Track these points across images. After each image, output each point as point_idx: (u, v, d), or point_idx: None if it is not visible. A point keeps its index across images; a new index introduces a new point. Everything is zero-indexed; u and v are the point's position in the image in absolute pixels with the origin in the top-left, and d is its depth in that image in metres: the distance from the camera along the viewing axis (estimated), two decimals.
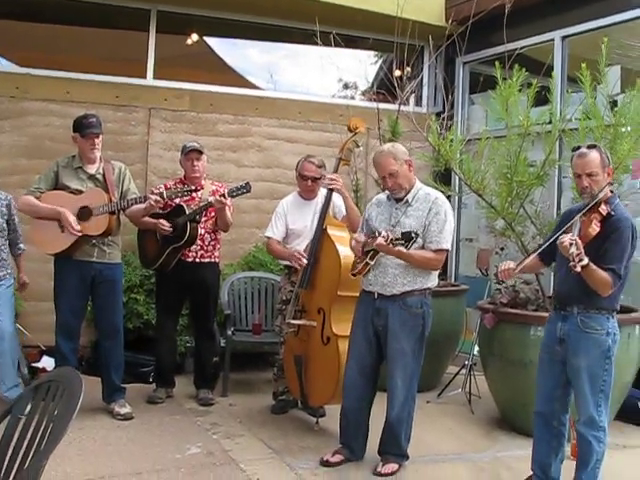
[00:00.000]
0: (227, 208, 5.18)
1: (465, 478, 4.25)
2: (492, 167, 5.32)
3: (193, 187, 5.11)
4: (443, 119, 5.93)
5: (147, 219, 5.13)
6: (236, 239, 6.75)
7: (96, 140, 4.92)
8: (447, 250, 4.16)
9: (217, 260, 5.53)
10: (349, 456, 4.29)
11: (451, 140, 5.41)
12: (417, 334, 4.14)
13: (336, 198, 5.09)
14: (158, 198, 4.83)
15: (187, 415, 5.17)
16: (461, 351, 6.24)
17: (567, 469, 3.83)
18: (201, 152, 5.38)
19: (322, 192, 5.19)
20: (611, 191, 3.70)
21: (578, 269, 3.32)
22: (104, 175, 4.97)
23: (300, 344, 4.85)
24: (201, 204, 5.22)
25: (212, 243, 5.43)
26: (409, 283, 4.11)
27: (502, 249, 5.86)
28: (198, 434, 4.74)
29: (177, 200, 5.17)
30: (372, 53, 8.09)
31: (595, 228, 3.43)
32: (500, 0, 5.95)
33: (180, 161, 5.48)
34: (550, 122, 5.31)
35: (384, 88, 6.67)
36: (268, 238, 5.25)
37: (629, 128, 4.80)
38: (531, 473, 3.89)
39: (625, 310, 4.77)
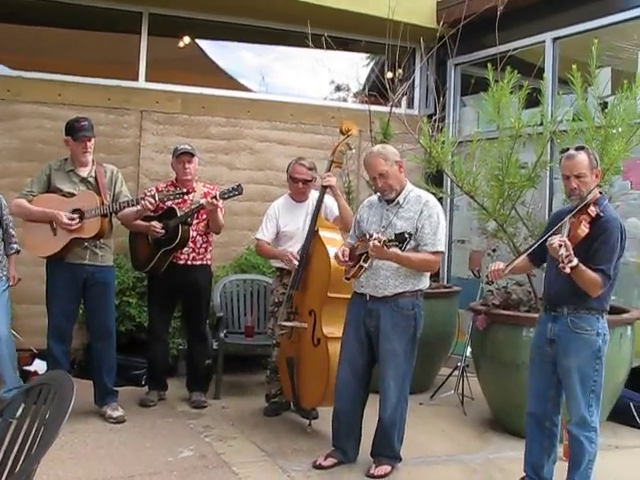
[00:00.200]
0: (219, 210, 5.18)
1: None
2: (484, 169, 5.34)
3: (185, 190, 5.12)
4: (435, 121, 5.93)
5: (139, 222, 5.12)
6: (228, 241, 6.75)
7: (88, 143, 4.91)
8: (442, 252, 4.18)
9: (209, 262, 5.52)
10: (342, 458, 4.29)
11: (443, 142, 5.42)
12: (409, 335, 4.14)
13: (327, 199, 5.10)
14: (152, 200, 4.83)
15: (179, 418, 5.16)
16: (454, 353, 6.26)
17: (560, 470, 3.83)
18: (193, 155, 5.37)
19: (313, 194, 5.20)
20: (600, 192, 3.72)
21: (567, 270, 3.34)
22: (96, 178, 4.96)
23: (292, 346, 4.86)
24: (192, 206, 5.21)
25: (204, 245, 5.43)
26: (401, 285, 4.11)
27: (494, 250, 5.88)
28: (190, 437, 4.73)
29: (169, 203, 5.17)
30: (364, 55, 8.10)
31: (584, 229, 3.45)
32: (491, 2, 5.97)
33: (172, 164, 5.47)
34: (541, 124, 5.33)
35: (376, 90, 6.68)
36: (258, 240, 5.25)
37: (620, 129, 4.82)
38: (524, 474, 3.90)
39: (617, 311, 4.80)
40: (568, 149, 3.73)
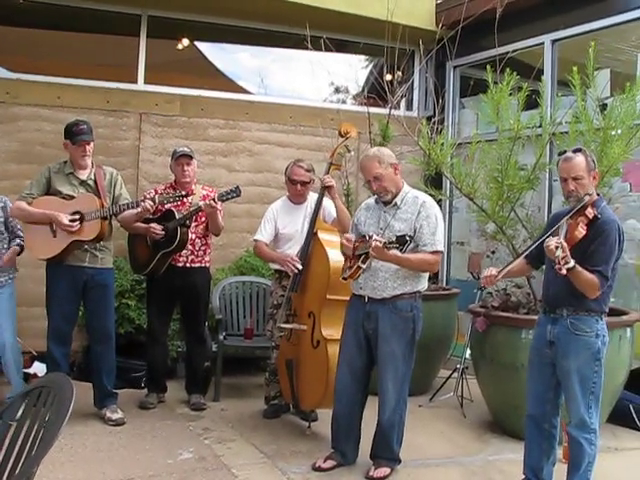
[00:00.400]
0: (218, 212, 5.19)
1: None
2: (483, 171, 5.34)
3: (185, 192, 5.13)
4: (434, 123, 5.95)
5: (139, 224, 5.12)
6: (227, 244, 6.75)
7: (87, 147, 4.92)
8: (442, 252, 4.18)
9: (208, 265, 5.52)
10: (341, 461, 4.28)
11: (442, 144, 5.43)
12: (407, 337, 4.14)
13: (325, 202, 5.10)
14: (152, 203, 4.83)
15: (179, 420, 5.16)
16: (453, 355, 6.25)
17: (559, 472, 3.84)
18: (191, 157, 5.37)
19: (312, 196, 5.20)
20: (597, 194, 3.72)
21: (564, 272, 3.35)
22: (96, 181, 4.96)
23: (291, 348, 4.86)
24: (191, 209, 5.22)
25: (203, 248, 5.43)
26: (399, 287, 4.11)
27: (493, 252, 5.89)
28: (190, 439, 4.73)
29: (168, 205, 5.17)
30: (363, 57, 8.11)
31: (581, 231, 3.45)
32: (490, 4, 5.97)
33: (170, 166, 5.47)
34: (540, 126, 5.33)
35: (375, 92, 6.68)
36: (256, 241, 5.25)
37: (619, 131, 4.82)
38: (523, 477, 3.90)
39: (616, 313, 4.80)
40: (565, 151, 3.73)
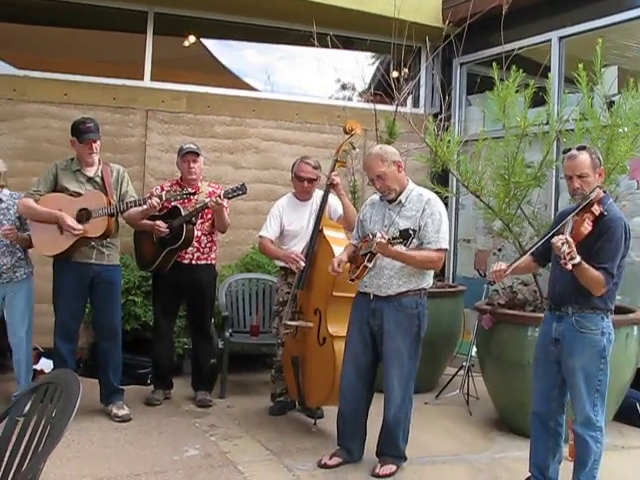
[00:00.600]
0: (224, 209, 5.19)
1: (463, 479, 4.24)
2: (489, 168, 5.33)
3: (193, 190, 5.13)
4: (440, 120, 5.94)
5: (145, 221, 5.12)
6: (234, 241, 6.76)
7: (94, 145, 4.93)
8: (446, 249, 4.17)
9: (213, 262, 5.53)
10: (347, 458, 4.29)
11: (448, 141, 5.41)
12: (412, 334, 4.14)
13: (331, 199, 5.10)
14: (158, 200, 4.84)
15: (185, 417, 5.17)
16: (459, 352, 6.25)
17: (565, 470, 3.84)
18: (198, 154, 5.37)
19: (317, 193, 5.20)
20: (604, 191, 3.71)
21: (569, 267, 3.35)
22: (102, 178, 4.98)
23: (297, 345, 4.86)
24: (197, 206, 5.22)
25: (208, 245, 5.44)
26: (404, 284, 4.11)
27: (500, 250, 5.87)
28: (196, 436, 4.74)
29: (174, 202, 5.17)
30: (369, 54, 8.08)
31: (587, 227, 3.45)
32: (497, 1, 5.96)
33: (177, 163, 5.48)
34: (547, 123, 5.31)
35: (381, 89, 6.67)
36: (261, 237, 5.25)
37: (626, 129, 4.81)
38: (529, 474, 3.89)
39: (623, 311, 4.80)
40: (570, 149, 3.72)
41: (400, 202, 4.19)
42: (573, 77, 4.98)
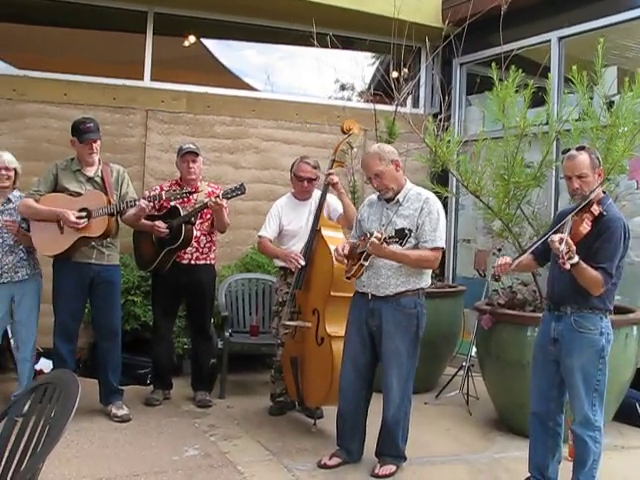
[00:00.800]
0: (223, 209, 5.19)
1: (463, 479, 4.24)
2: (489, 168, 5.33)
3: (191, 190, 5.13)
4: (440, 120, 5.94)
5: (144, 221, 5.12)
6: (233, 241, 6.76)
7: (94, 145, 4.93)
8: (443, 248, 4.16)
9: (213, 262, 5.53)
10: (346, 458, 4.29)
11: (448, 141, 5.41)
12: (411, 334, 4.14)
13: (330, 199, 5.10)
14: (147, 202, 4.84)
15: (184, 417, 5.17)
16: (459, 352, 6.25)
17: (565, 470, 3.84)
18: (197, 154, 5.37)
19: (316, 193, 5.20)
20: (604, 192, 3.71)
21: (567, 266, 3.35)
22: (103, 178, 4.98)
23: (296, 345, 4.86)
24: (196, 206, 5.22)
25: (208, 245, 5.44)
26: (402, 284, 4.11)
27: (499, 250, 5.87)
28: (195, 436, 4.74)
29: (172, 202, 5.17)
30: (369, 54, 8.08)
31: (586, 227, 3.45)
32: (497, 1, 5.96)
33: (176, 163, 5.48)
34: (547, 123, 5.31)
35: (381, 89, 6.67)
36: (260, 237, 5.25)
37: (625, 129, 4.80)
38: (529, 475, 3.89)
39: (622, 311, 4.79)
40: (569, 150, 3.73)
41: (398, 201, 4.19)
42: (573, 77, 4.98)
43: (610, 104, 5.03)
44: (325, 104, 7.43)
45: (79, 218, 4.74)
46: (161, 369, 5.56)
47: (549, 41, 6.66)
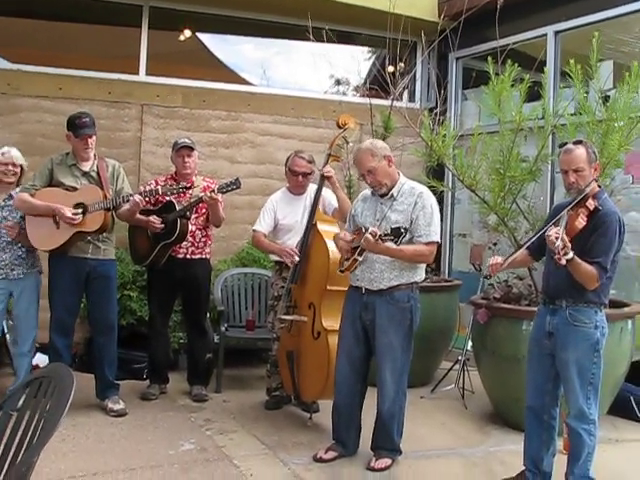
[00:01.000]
0: (219, 204, 5.18)
1: (458, 473, 4.26)
2: (485, 162, 5.33)
3: (188, 185, 5.12)
4: (436, 114, 5.93)
5: (139, 216, 5.12)
6: (229, 235, 6.76)
7: (89, 140, 4.92)
8: (437, 242, 4.16)
9: (208, 256, 5.52)
10: (342, 452, 4.30)
11: (444, 135, 5.41)
12: (405, 328, 4.14)
13: (325, 193, 5.10)
14: (140, 197, 4.83)
15: (181, 411, 5.17)
16: (454, 346, 6.26)
17: (560, 463, 3.84)
18: (192, 148, 5.36)
19: (311, 187, 5.20)
20: (599, 186, 3.72)
21: (563, 262, 3.35)
22: (98, 172, 4.97)
23: (292, 340, 4.87)
24: (192, 200, 5.22)
25: (203, 239, 5.43)
26: (396, 278, 4.11)
27: (495, 244, 5.88)
28: (191, 430, 4.74)
29: (169, 196, 5.16)
30: (365, 49, 8.09)
31: (581, 222, 3.45)
32: None
33: (171, 157, 5.47)
34: (543, 117, 5.32)
35: (377, 84, 6.67)
36: (254, 231, 5.25)
37: (621, 123, 4.81)
38: (524, 468, 3.90)
39: (617, 305, 4.80)
40: (566, 143, 3.73)
41: (392, 196, 4.18)
42: (569, 71, 4.98)
43: (606, 98, 5.03)
44: (321, 99, 7.43)
45: (75, 214, 4.73)
46: (157, 364, 5.57)
47: (545, 35, 6.66)
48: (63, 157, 4.99)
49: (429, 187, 4.58)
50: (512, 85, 5.12)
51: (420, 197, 4.13)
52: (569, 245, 3.34)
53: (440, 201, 4.36)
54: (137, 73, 6.84)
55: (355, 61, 7.09)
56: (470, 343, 5.64)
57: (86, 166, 4.98)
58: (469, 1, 6.33)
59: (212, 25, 7.43)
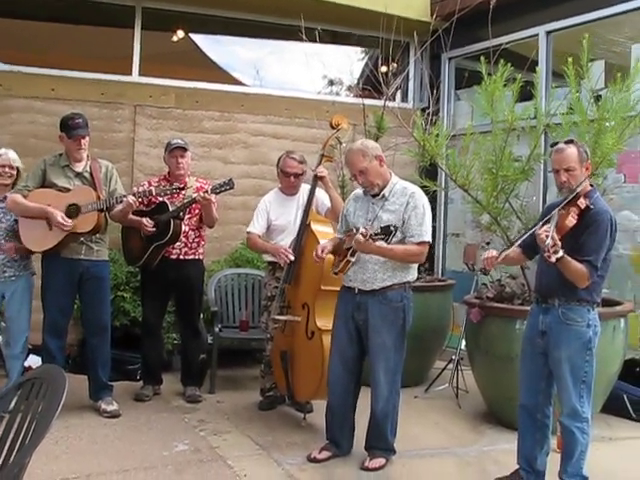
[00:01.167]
0: (212, 205, 5.18)
1: (452, 472, 4.26)
2: (477, 162, 5.34)
3: (182, 185, 5.11)
4: (429, 114, 5.94)
5: (132, 217, 5.11)
6: (223, 236, 6.75)
7: (82, 141, 4.91)
8: (429, 242, 4.17)
9: (201, 257, 5.52)
10: (336, 452, 4.30)
11: (436, 135, 5.42)
12: (398, 328, 4.14)
13: (319, 193, 5.11)
14: (134, 198, 4.83)
15: (174, 412, 5.16)
16: (448, 346, 6.27)
17: (553, 462, 3.85)
18: (185, 149, 5.36)
19: (304, 188, 5.20)
20: (591, 185, 3.73)
21: (553, 260, 3.36)
22: (91, 173, 4.96)
23: (286, 340, 4.87)
24: (185, 201, 5.21)
25: (196, 240, 5.42)
26: (389, 278, 4.11)
27: (488, 243, 5.88)
28: (185, 431, 4.74)
29: (162, 197, 5.15)
30: (358, 49, 8.09)
31: (572, 220, 3.46)
32: None
33: (164, 158, 5.46)
34: (535, 117, 5.33)
35: (370, 84, 6.67)
36: (248, 233, 5.24)
37: (613, 123, 4.82)
38: (517, 467, 3.91)
39: (610, 303, 4.81)
40: (557, 143, 3.74)
41: (384, 196, 4.18)
42: (561, 71, 4.99)
43: (597, 98, 5.05)
44: (314, 99, 7.42)
45: (68, 217, 4.71)
46: (151, 365, 5.56)
47: (537, 35, 6.68)
48: (56, 158, 4.98)
49: (422, 187, 4.59)
50: (504, 85, 5.14)
51: (412, 197, 4.13)
52: (559, 243, 3.35)
53: (433, 201, 4.37)
54: (130, 74, 6.82)
55: (348, 61, 7.11)
56: (464, 342, 5.66)
57: (79, 167, 4.97)
58: (461, 1, 6.34)
59: (205, 26, 7.42)
